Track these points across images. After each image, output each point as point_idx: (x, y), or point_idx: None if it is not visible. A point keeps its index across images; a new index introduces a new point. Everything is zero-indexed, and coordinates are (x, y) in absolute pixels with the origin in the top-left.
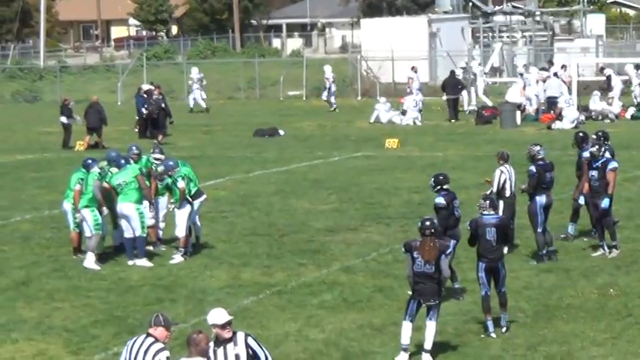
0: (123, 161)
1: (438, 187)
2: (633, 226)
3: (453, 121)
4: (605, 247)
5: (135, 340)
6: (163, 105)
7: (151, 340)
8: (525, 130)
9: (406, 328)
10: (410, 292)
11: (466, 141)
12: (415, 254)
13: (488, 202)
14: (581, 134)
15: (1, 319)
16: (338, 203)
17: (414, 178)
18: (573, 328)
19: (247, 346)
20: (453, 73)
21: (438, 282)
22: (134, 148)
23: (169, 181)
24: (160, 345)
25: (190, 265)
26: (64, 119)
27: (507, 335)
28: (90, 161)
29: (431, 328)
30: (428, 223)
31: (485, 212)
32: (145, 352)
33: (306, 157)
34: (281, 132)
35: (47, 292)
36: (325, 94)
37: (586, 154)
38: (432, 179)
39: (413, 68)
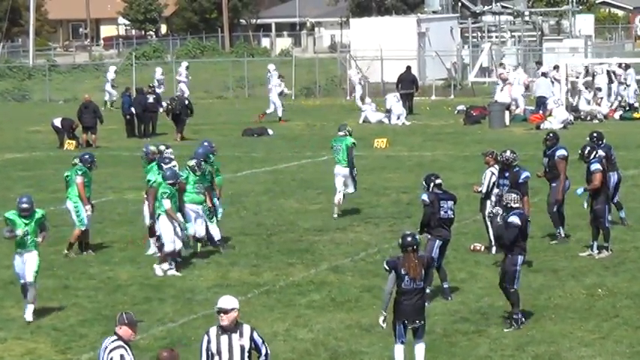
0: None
1: (428, 187)
2: (621, 226)
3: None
4: (595, 248)
5: (105, 340)
6: (187, 102)
7: (113, 338)
8: (514, 130)
9: (399, 352)
10: (383, 313)
11: (454, 141)
12: (403, 271)
13: (518, 196)
14: (595, 134)
15: None
16: (326, 203)
17: (403, 178)
18: (561, 329)
19: (252, 339)
20: (408, 68)
21: (423, 297)
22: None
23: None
24: (117, 343)
25: (178, 265)
26: (56, 121)
27: (495, 335)
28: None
29: (420, 349)
30: (409, 239)
31: (516, 206)
32: (105, 349)
33: (295, 156)
34: (270, 132)
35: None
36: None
37: (600, 152)
38: (424, 179)
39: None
